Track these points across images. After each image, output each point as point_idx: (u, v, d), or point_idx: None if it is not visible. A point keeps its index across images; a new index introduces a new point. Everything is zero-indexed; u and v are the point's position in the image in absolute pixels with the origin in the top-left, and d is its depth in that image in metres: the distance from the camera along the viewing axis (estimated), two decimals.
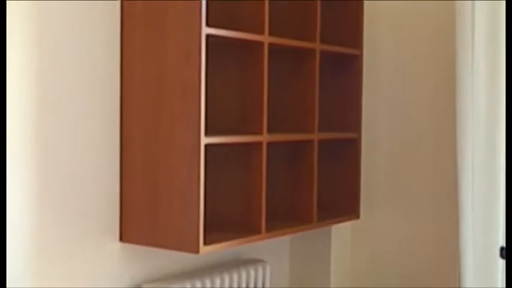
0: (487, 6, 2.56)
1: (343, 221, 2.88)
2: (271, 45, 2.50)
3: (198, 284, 2.48)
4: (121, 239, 2.37)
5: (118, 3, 2.31)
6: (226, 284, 2.59)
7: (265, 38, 2.41)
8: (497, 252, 2.46)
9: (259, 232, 2.44)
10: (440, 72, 2.86)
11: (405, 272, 2.99)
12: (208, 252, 2.27)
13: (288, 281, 3.03)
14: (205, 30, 2.18)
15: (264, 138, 2.43)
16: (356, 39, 2.90)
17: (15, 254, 2.07)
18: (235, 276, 2.63)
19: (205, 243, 2.23)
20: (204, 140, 2.19)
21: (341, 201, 2.93)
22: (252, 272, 2.72)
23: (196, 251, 2.20)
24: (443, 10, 2.84)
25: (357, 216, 2.94)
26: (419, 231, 2.96)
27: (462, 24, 2.59)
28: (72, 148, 2.20)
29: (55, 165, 2.16)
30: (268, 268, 2.80)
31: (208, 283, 2.52)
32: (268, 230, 2.49)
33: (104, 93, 2.29)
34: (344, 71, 2.90)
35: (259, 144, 2.43)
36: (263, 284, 2.78)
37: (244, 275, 2.68)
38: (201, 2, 2.15)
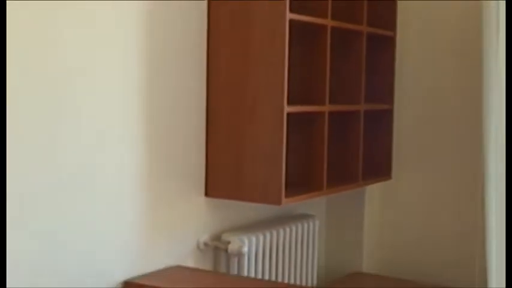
0: None
1: (379, 181, 3.31)
2: (332, 29, 2.89)
3: (267, 234, 2.89)
4: (206, 194, 2.75)
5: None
6: (287, 235, 3.00)
7: (329, 22, 2.81)
8: None
9: (322, 189, 2.85)
10: (466, 50, 3.28)
11: (427, 227, 3.43)
12: (288, 203, 2.66)
13: (328, 232, 3.45)
14: (289, 15, 2.57)
15: (327, 108, 2.84)
16: (392, 23, 3.31)
17: (132, 204, 2.44)
18: (293, 228, 3.05)
19: (286, 196, 2.63)
20: (287, 109, 2.59)
21: (377, 164, 3.35)
22: (306, 225, 3.13)
23: (279, 203, 2.60)
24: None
25: (389, 177, 3.38)
26: (442, 193, 3.39)
27: (488, 11, 3.01)
28: (169, 117, 2.57)
29: (159, 132, 2.53)
30: (317, 222, 3.23)
31: (274, 233, 2.93)
32: (328, 187, 2.90)
33: (194, 68, 2.66)
34: (380, 50, 3.31)
35: (322, 113, 2.83)
36: (313, 235, 3.20)
37: (299, 227, 3.09)
38: None
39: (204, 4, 2.69)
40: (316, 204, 3.37)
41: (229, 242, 2.75)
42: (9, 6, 2.02)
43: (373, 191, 3.51)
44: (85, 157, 2.27)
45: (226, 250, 2.76)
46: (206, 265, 2.79)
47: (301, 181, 2.86)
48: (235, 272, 2.78)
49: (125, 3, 2.37)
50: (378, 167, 3.35)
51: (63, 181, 2.21)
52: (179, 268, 2.62)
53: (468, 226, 3.31)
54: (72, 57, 2.21)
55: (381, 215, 3.54)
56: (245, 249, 2.71)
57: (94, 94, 2.29)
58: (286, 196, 2.64)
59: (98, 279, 2.36)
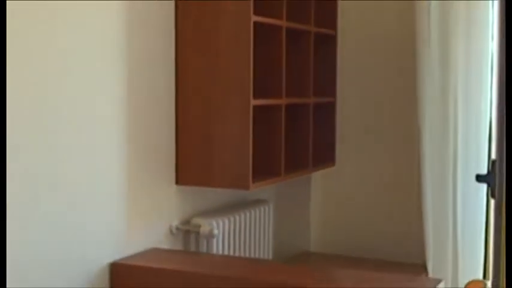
0: None
1: (325, 167, 3.62)
2: (286, 29, 3.17)
3: (230, 218, 3.15)
4: (177, 182, 2.99)
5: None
6: (247, 218, 3.28)
7: (284, 23, 3.09)
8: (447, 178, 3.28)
9: (281, 175, 3.13)
10: (400, 42, 3.63)
11: (367, 209, 3.78)
12: (255, 188, 2.93)
13: (279, 215, 3.74)
14: (253, 18, 2.83)
15: (283, 101, 3.12)
16: (333, 22, 3.62)
17: (113, 194, 2.66)
18: (252, 212, 3.32)
19: (253, 182, 2.90)
20: (253, 102, 2.86)
21: (322, 152, 3.65)
22: (261, 209, 3.41)
23: (247, 188, 2.87)
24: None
25: (333, 164, 3.70)
26: (381, 177, 3.75)
27: (420, 12, 3.38)
28: (143, 114, 2.79)
29: (136, 128, 2.75)
30: (270, 206, 3.51)
31: (236, 217, 3.19)
32: (284, 173, 3.18)
33: (164, 66, 2.89)
34: (324, 48, 3.61)
35: (280, 106, 3.11)
36: (268, 218, 3.48)
37: (256, 211, 3.37)
38: None
39: (172, 4, 2.92)
40: (267, 190, 3.65)
41: (199, 226, 2.99)
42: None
43: (318, 176, 3.82)
44: (68, 149, 2.47)
45: (196, 233, 3.00)
46: (178, 247, 3.02)
47: (261, 168, 3.13)
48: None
49: (103, 3, 2.59)
50: (324, 154, 3.66)
51: (49, 171, 2.41)
52: (156, 250, 2.85)
53: (405, 205, 3.67)
54: (54, 58, 2.41)
55: (325, 199, 3.86)
56: (216, 231, 2.97)
57: (77, 91, 2.49)
58: (253, 182, 2.91)
59: (87, 262, 2.56)
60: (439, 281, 2.47)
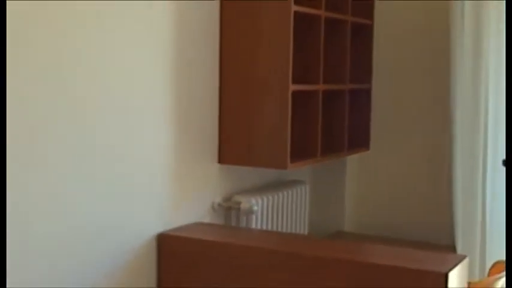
0: None
1: (360, 151, 3.80)
2: (325, 18, 3.34)
3: (269, 196, 3.34)
4: (219, 161, 3.19)
5: None
6: (285, 197, 3.47)
7: (322, 13, 3.27)
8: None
9: (317, 156, 3.32)
10: (435, 36, 3.78)
11: (400, 191, 3.94)
12: (292, 168, 3.12)
13: (315, 196, 3.93)
14: (293, 7, 3.01)
15: (321, 87, 3.30)
16: (370, 12, 3.78)
17: (161, 171, 2.87)
18: (289, 191, 3.51)
19: (291, 162, 3.09)
20: (291, 87, 3.04)
21: (357, 136, 3.82)
22: (298, 189, 3.60)
23: (285, 168, 3.06)
24: None
25: (368, 149, 3.86)
26: (413, 161, 3.91)
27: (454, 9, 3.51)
28: (190, 100, 2.99)
29: (183, 111, 2.95)
30: (307, 186, 3.70)
31: (275, 195, 3.39)
32: (320, 155, 3.37)
33: (210, 53, 3.09)
34: (361, 37, 3.77)
35: (317, 91, 3.29)
36: (304, 198, 3.67)
37: (293, 191, 3.56)
38: None
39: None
40: (304, 171, 3.83)
41: (240, 203, 3.19)
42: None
43: (353, 160, 4.00)
44: (123, 129, 2.68)
45: (237, 209, 3.20)
46: (219, 222, 3.23)
47: (298, 150, 3.31)
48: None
49: (153, 3, 2.79)
50: (359, 139, 3.83)
51: (105, 147, 2.62)
52: (199, 224, 3.06)
53: (436, 188, 3.82)
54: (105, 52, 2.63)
55: (359, 181, 4.03)
56: (255, 207, 3.17)
57: (130, 77, 2.70)
58: (291, 162, 3.10)
59: (137, 233, 2.78)
60: (464, 256, 2.63)
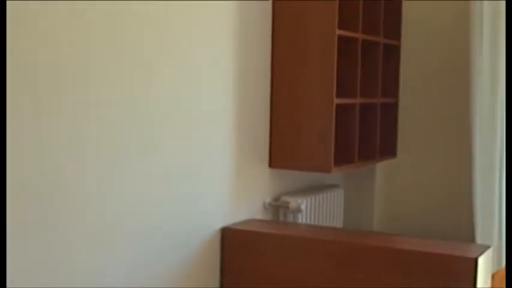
0: (491, 6, 3.90)
1: (388, 158, 4.24)
2: (362, 40, 3.79)
3: (311, 197, 3.78)
4: (270, 165, 3.63)
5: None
6: (323, 199, 3.91)
7: (360, 36, 3.72)
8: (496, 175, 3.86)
9: (354, 162, 3.76)
10: (456, 56, 4.23)
11: (424, 194, 4.38)
12: (335, 172, 3.57)
13: (347, 199, 4.37)
14: (338, 32, 3.47)
15: (358, 100, 3.75)
16: (397, 34, 4.24)
17: (220, 173, 3.30)
18: (327, 193, 3.96)
19: (334, 166, 3.53)
20: (335, 101, 3.49)
21: (386, 145, 4.26)
22: (334, 192, 4.05)
23: (329, 171, 3.50)
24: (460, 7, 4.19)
25: (395, 156, 4.31)
26: (436, 167, 4.35)
27: (474, 21, 3.93)
28: (246, 109, 3.44)
29: (240, 119, 3.40)
30: (341, 190, 4.15)
31: (315, 197, 3.83)
32: (358, 161, 3.81)
33: (261, 66, 3.54)
34: (389, 56, 4.23)
35: (355, 104, 3.73)
36: (339, 200, 4.11)
37: (330, 193, 4.00)
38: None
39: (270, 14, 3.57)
40: (339, 176, 4.28)
41: (288, 202, 3.63)
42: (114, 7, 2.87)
43: (381, 166, 4.44)
44: (188, 140, 3.12)
45: (285, 208, 3.64)
46: (270, 219, 3.66)
47: (339, 156, 3.75)
48: None
49: (217, 3, 3.23)
50: (387, 147, 4.27)
51: (175, 154, 3.06)
52: (253, 220, 3.50)
53: (457, 191, 4.26)
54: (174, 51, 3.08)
55: (387, 185, 4.47)
56: (303, 207, 3.61)
57: (199, 87, 3.14)
58: (334, 166, 3.54)
59: (204, 227, 3.21)
60: (488, 246, 3.07)
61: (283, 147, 3.60)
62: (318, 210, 3.87)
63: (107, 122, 2.65)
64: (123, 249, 2.77)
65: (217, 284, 3.31)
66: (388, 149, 4.28)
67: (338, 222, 4.09)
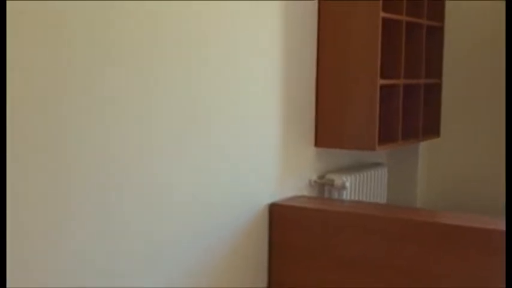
0: None
1: (432, 138, 4.33)
2: (406, 22, 3.88)
3: (356, 175, 3.90)
4: (315, 144, 3.75)
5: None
6: (368, 176, 4.02)
7: (404, 18, 3.81)
8: None
9: (398, 141, 3.86)
10: (498, 37, 4.29)
11: (465, 172, 4.46)
12: (380, 150, 3.68)
13: (391, 177, 4.47)
14: (381, 14, 3.56)
15: (401, 81, 3.84)
16: (441, 15, 4.31)
17: (270, 152, 3.44)
18: (371, 172, 4.07)
19: (378, 145, 3.64)
20: (380, 81, 3.59)
21: (429, 125, 4.35)
22: (378, 170, 4.15)
23: (374, 149, 3.61)
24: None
25: (439, 135, 4.40)
26: (476, 146, 4.43)
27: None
28: (297, 90, 3.56)
29: (288, 101, 3.52)
30: (385, 168, 4.25)
31: (360, 174, 3.94)
32: (402, 140, 3.91)
33: (308, 51, 3.65)
34: (433, 38, 4.30)
35: (399, 85, 3.83)
36: (383, 177, 4.22)
37: (374, 171, 4.11)
38: None
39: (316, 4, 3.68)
40: (382, 155, 4.39)
41: (333, 180, 3.76)
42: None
43: (425, 145, 4.54)
44: (241, 122, 3.26)
45: (330, 185, 3.77)
46: (315, 196, 3.79)
47: (383, 135, 3.85)
48: None
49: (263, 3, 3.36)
50: (431, 127, 4.36)
51: (229, 136, 3.20)
52: (300, 197, 3.63)
53: (495, 167, 4.34)
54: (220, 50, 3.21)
55: (430, 164, 4.57)
56: (347, 184, 3.73)
57: (244, 72, 3.26)
58: (379, 145, 3.65)
59: (253, 203, 3.36)
60: None
61: (329, 127, 3.71)
62: (362, 187, 3.98)
63: (172, 106, 2.83)
64: (175, 221, 2.92)
65: (266, 257, 3.45)
66: (431, 129, 4.37)
67: (381, 200, 4.20)
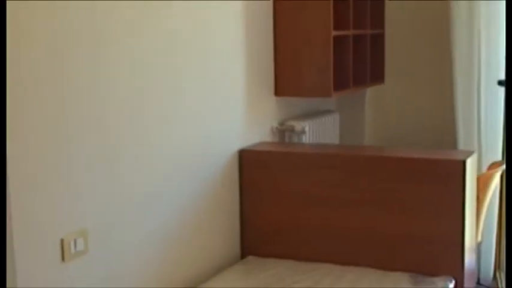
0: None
1: (377, 84, 4.69)
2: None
3: (312, 121, 4.23)
4: (275, 94, 4.06)
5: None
6: (322, 122, 4.37)
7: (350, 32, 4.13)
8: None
9: (350, 87, 4.21)
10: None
11: (409, 113, 4.86)
12: (335, 96, 4.02)
13: (342, 122, 4.83)
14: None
15: (351, 32, 4.17)
16: None
17: (236, 102, 3.73)
18: (325, 118, 4.41)
19: (334, 91, 3.97)
20: (333, 33, 3.91)
21: (375, 72, 4.70)
22: (331, 117, 4.50)
23: (330, 95, 3.95)
24: None
25: (383, 82, 4.76)
26: (419, 88, 4.82)
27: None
28: (252, 48, 3.85)
29: (250, 57, 3.81)
30: (337, 114, 4.60)
31: (315, 120, 4.28)
32: (353, 86, 4.25)
33: (265, 7, 3.94)
34: None
35: (348, 36, 4.16)
36: (335, 123, 4.57)
37: (327, 118, 4.46)
38: None
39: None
40: (333, 103, 4.74)
41: (293, 126, 4.08)
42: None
43: (371, 92, 4.91)
44: (208, 72, 3.54)
45: (290, 131, 4.09)
46: (277, 141, 4.12)
47: (336, 83, 4.17)
48: None
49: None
50: (376, 74, 4.71)
51: (197, 88, 3.48)
52: (264, 142, 3.94)
53: (441, 106, 4.74)
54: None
55: (376, 108, 4.95)
56: (307, 129, 4.07)
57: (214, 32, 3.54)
58: (334, 92, 3.98)
59: (224, 150, 3.65)
60: (472, 152, 3.55)
61: (287, 78, 4.02)
62: (318, 132, 4.32)
63: (144, 70, 3.07)
64: (161, 168, 3.20)
65: (237, 198, 3.77)
66: (377, 76, 4.72)
67: (335, 142, 4.56)
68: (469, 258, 3.47)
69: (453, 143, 4.54)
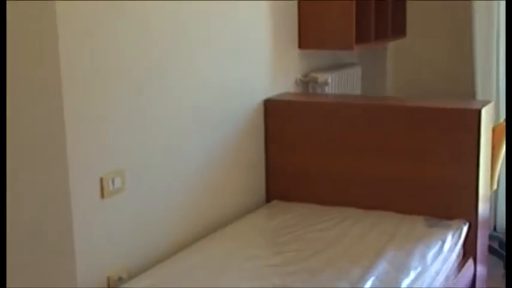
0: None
1: (399, 38, 4.83)
2: None
3: (334, 73, 4.40)
4: (299, 46, 4.22)
5: None
6: (346, 74, 4.53)
7: None
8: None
9: (371, 41, 4.35)
10: None
11: (431, 66, 5.00)
12: (357, 50, 4.17)
13: (364, 74, 4.99)
14: None
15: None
16: None
17: (263, 53, 3.90)
18: (348, 71, 4.57)
19: (356, 44, 4.13)
20: None
21: (397, 26, 4.84)
22: (353, 69, 4.66)
23: (352, 48, 4.10)
24: None
25: (405, 36, 4.90)
26: (440, 42, 4.95)
27: None
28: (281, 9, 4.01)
29: (278, 15, 3.97)
30: (359, 67, 4.76)
31: (337, 73, 4.44)
32: (375, 40, 4.40)
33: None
34: None
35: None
36: (358, 75, 4.73)
37: (349, 71, 4.61)
38: None
39: None
40: (356, 56, 4.89)
41: (317, 77, 4.25)
42: None
43: (392, 46, 5.05)
44: (237, 29, 3.70)
45: (314, 82, 4.26)
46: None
47: (358, 36, 4.31)
48: None
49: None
50: (398, 29, 4.85)
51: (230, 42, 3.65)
52: (289, 93, 4.12)
53: (460, 57, 4.88)
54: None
55: (397, 61, 5.10)
56: (329, 80, 4.23)
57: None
58: (355, 45, 4.13)
59: (251, 99, 3.83)
60: (488, 101, 3.70)
61: (311, 30, 4.17)
62: (340, 83, 4.49)
63: (173, 21, 3.24)
64: (186, 116, 3.39)
65: (263, 146, 3.95)
66: (399, 30, 4.86)
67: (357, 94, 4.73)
68: (483, 205, 3.64)
69: (472, 95, 4.69)
